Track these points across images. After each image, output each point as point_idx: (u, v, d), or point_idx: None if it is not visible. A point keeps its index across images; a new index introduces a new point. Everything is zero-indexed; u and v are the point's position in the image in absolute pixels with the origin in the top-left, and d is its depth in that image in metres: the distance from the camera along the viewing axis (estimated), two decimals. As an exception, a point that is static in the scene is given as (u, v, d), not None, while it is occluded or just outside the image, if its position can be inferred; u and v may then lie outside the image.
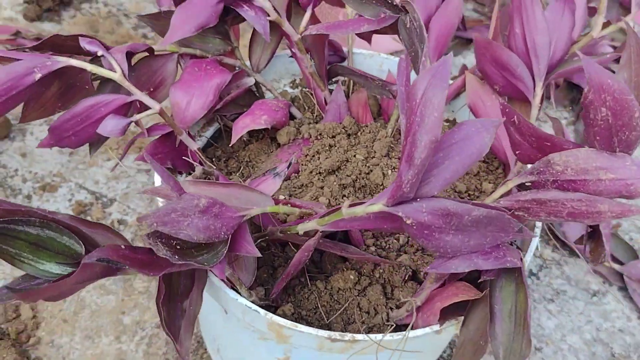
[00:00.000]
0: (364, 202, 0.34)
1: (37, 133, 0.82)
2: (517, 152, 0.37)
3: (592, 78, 0.29)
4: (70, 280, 0.27)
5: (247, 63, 0.56)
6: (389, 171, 0.48)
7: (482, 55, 0.51)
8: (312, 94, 0.58)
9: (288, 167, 0.45)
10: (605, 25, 0.49)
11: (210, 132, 0.56)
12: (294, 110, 0.56)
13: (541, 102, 0.48)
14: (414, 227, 0.33)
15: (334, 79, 0.59)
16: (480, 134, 0.34)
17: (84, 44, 0.45)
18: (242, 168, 0.52)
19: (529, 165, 0.37)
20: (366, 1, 0.42)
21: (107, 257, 0.28)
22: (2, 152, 0.79)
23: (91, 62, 0.45)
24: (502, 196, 0.36)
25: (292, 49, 0.54)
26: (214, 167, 0.49)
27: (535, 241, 0.45)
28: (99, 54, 0.45)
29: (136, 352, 0.64)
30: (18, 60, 0.43)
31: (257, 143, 0.54)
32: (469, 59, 1.03)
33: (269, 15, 0.49)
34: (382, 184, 0.48)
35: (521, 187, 0.36)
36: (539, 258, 0.80)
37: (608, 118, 0.30)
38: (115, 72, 0.44)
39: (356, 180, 0.48)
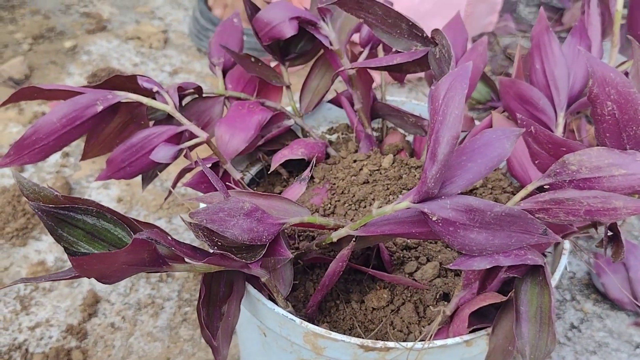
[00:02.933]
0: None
1: (95, 196, 0.87)
2: (536, 162, 0.40)
3: (595, 71, 0.32)
4: (121, 256, 0.30)
5: (289, 108, 0.61)
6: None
7: (506, 93, 0.54)
8: (346, 141, 0.62)
9: (311, 170, 0.49)
10: (624, 62, 0.52)
11: (253, 170, 0.60)
12: (331, 150, 0.60)
13: (564, 132, 0.50)
14: (440, 224, 0.36)
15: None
16: (501, 141, 0.37)
17: (142, 82, 0.50)
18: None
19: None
20: (398, 35, 0.46)
21: (156, 238, 0.31)
22: None
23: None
24: (522, 199, 0.38)
25: (347, 84, 0.57)
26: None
27: (564, 259, 0.46)
28: (154, 90, 0.50)
29: None
30: (81, 94, 0.48)
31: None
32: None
33: (331, 44, 0.54)
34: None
35: (540, 190, 0.38)
36: (580, 311, 0.79)
37: (614, 112, 0.32)
38: (167, 104, 0.49)
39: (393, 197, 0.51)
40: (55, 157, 0.89)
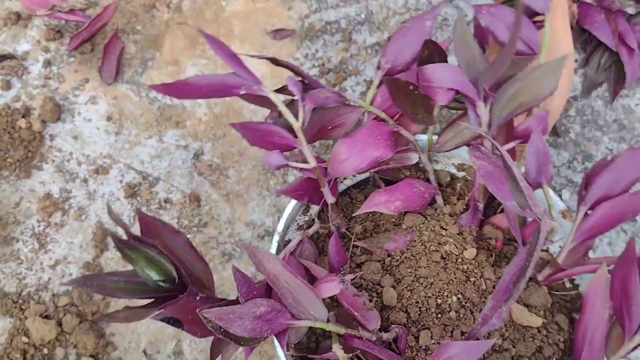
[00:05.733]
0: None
1: (84, 113, 0.86)
2: None
3: None
4: (144, 312, 0.38)
5: (424, 137, 0.60)
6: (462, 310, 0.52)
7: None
8: (463, 193, 0.62)
9: (353, 279, 0.51)
10: None
11: (361, 177, 0.62)
12: (439, 199, 0.60)
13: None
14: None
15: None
16: None
17: (290, 83, 0.53)
18: (361, 230, 0.59)
19: None
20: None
21: (172, 315, 0.38)
22: (56, 135, 0.84)
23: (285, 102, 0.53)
24: None
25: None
26: (333, 224, 0.56)
27: None
28: (295, 97, 0.53)
29: None
30: (235, 75, 0.52)
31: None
32: None
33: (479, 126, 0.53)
34: (455, 321, 0.52)
35: None
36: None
37: None
38: (297, 121, 0.52)
39: (441, 303, 0.53)
40: (38, 68, 0.88)
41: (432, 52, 0.57)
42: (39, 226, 0.80)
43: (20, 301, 0.75)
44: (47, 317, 0.75)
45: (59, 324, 0.74)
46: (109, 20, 0.88)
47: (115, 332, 0.75)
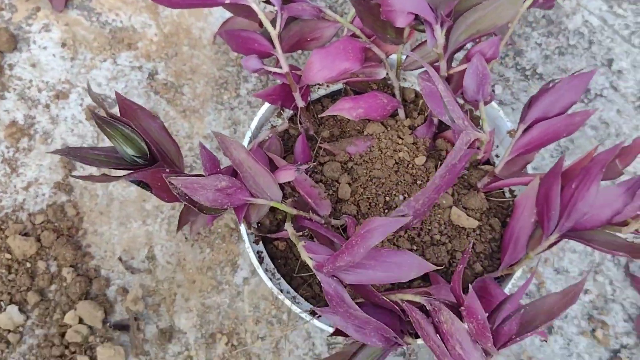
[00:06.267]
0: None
1: (39, 41, 0.88)
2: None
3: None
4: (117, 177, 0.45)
5: (394, 57, 0.66)
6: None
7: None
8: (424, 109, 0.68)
9: (306, 170, 0.58)
10: None
11: (334, 87, 0.69)
12: (401, 112, 0.67)
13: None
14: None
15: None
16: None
17: (270, -6, 0.59)
18: (328, 134, 0.66)
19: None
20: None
21: (142, 179, 0.46)
22: (15, 65, 0.87)
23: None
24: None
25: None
26: (302, 126, 0.64)
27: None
28: (275, 8, 0.59)
29: (160, 231, 0.83)
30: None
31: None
32: None
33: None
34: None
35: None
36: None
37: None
38: (274, 29, 0.58)
39: (388, 200, 0.61)
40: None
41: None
42: (8, 152, 0.84)
43: (-2, 222, 0.83)
44: (26, 234, 0.81)
45: (38, 239, 0.81)
46: (54, -54, 0.88)
47: (91, 244, 0.82)
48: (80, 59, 0.88)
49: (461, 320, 0.48)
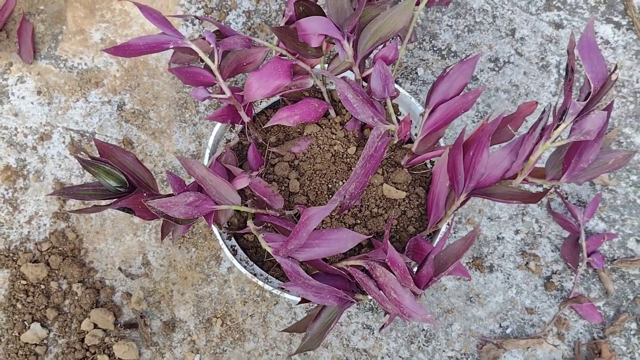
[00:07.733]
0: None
1: (17, 92, 0.98)
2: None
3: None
4: (106, 206, 0.58)
5: (318, 66, 0.79)
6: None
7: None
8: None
9: (260, 174, 0.71)
10: None
11: (273, 100, 0.82)
12: (331, 112, 0.80)
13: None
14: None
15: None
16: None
17: (207, 35, 0.71)
18: (275, 140, 0.79)
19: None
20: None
21: (125, 205, 0.59)
22: None
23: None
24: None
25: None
26: (251, 137, 0.77)
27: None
28: (212, 46, 0.71)
29: (150, 240, 0.95)
30: (165, 35, 0.70)
31: (297, 122, 0.80)
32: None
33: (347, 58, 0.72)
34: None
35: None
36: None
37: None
38: (213, 62, 0.71)
39: (331, 187, 0.74)
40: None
41: (309, 8, 0.74)
42: (7, 193, 0.96)
43: (10, 254, 0.94)
44: (36, 261, 0.94)
45: (47, 264, 0.94)
46: (14, 7, 0.99)
47: (93, 260, 0.95)
48: (56, 102, 0.99)
49: (392, 273, 0.62)
